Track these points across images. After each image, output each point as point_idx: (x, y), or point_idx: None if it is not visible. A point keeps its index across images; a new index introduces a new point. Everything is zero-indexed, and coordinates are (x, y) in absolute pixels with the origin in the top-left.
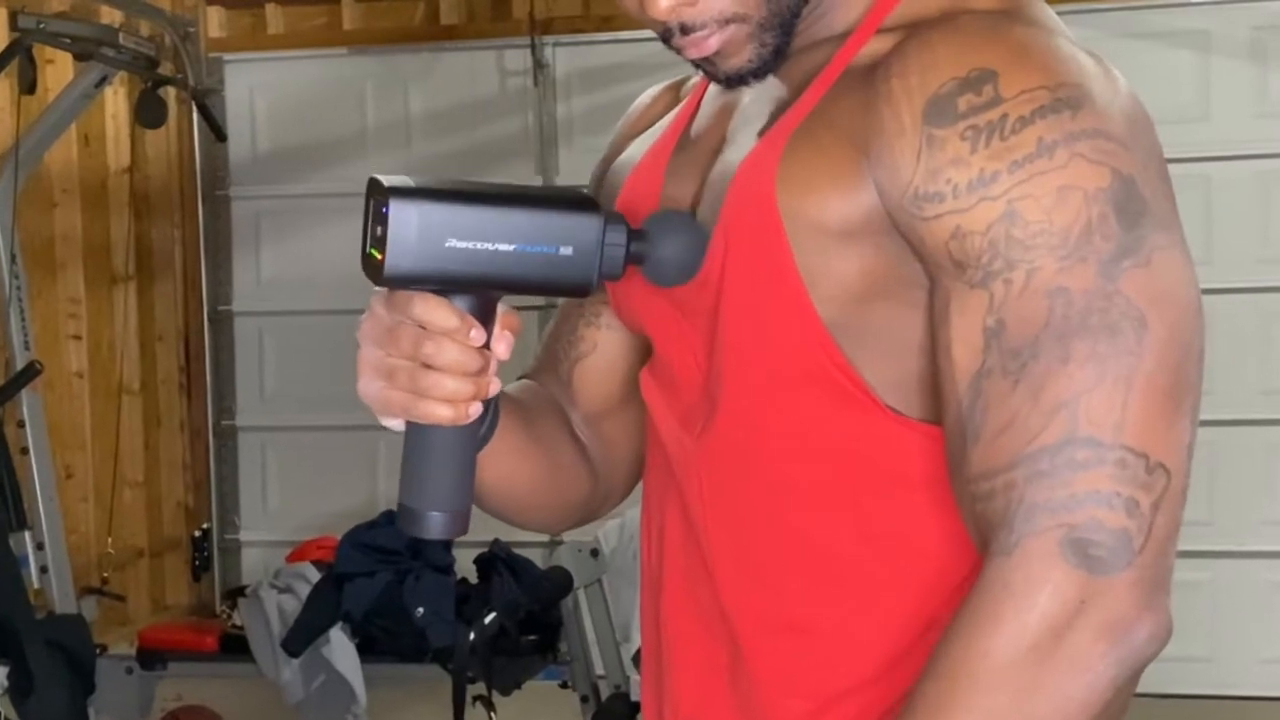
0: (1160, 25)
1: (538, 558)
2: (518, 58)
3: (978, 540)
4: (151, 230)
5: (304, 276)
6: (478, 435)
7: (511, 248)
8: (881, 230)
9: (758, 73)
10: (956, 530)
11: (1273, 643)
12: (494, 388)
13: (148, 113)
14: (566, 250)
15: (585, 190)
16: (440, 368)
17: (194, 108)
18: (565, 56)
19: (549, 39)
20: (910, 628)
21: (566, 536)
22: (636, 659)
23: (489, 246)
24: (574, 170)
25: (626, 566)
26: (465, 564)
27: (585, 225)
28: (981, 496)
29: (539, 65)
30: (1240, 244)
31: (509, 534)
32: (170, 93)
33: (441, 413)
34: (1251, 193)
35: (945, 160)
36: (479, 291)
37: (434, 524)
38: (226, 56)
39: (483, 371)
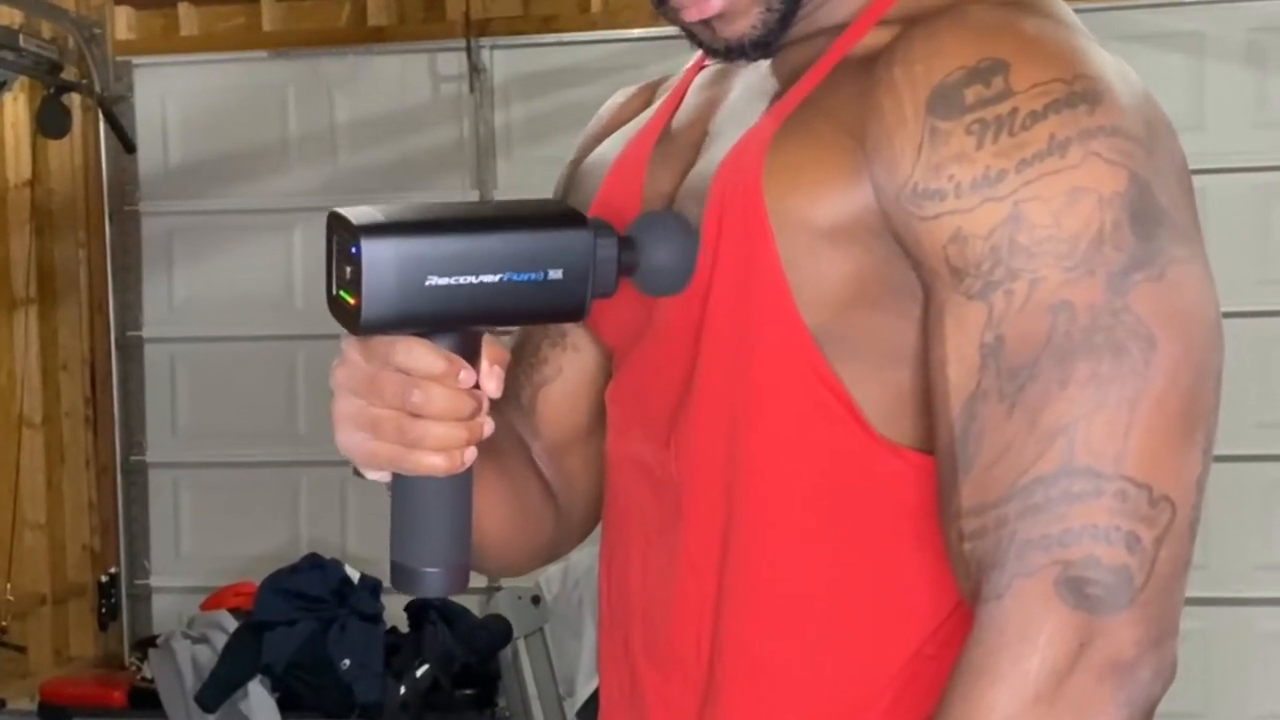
0: (1150, 26)
1: (474, 605)
2: (452, 61)
3: (965, 585)
4: (54, 249)
5: (220, 299)
6: (472, 482)
7: (497, 278)
8: (874, 231)
9: (760, 43)
10: (941, 567)
11: (1270, 696)
12: (488, 429)
13: (50, 121)
14: (556, 274)
15: (553, 198)
16: (431, 416)
17: (100, 116)
18: (503, 60)
19: (486, 41)
20: (884, 671)
21: (505, 582)
22: (581, 714)
23: (472, 280)
24: (513, 183)
25: (570, 614)
26: (395, 612)
27: (574, 242)
28: (971, 534)
29: (475, 69)
30: (1237, 263)
31: None
32: (75, 100)
33: (435, 462)
34: (1249, 208)
35: (948, 155)
36: (463, 328)
37: (431, 582)
38: (136, 60)
39: (475, 414)
